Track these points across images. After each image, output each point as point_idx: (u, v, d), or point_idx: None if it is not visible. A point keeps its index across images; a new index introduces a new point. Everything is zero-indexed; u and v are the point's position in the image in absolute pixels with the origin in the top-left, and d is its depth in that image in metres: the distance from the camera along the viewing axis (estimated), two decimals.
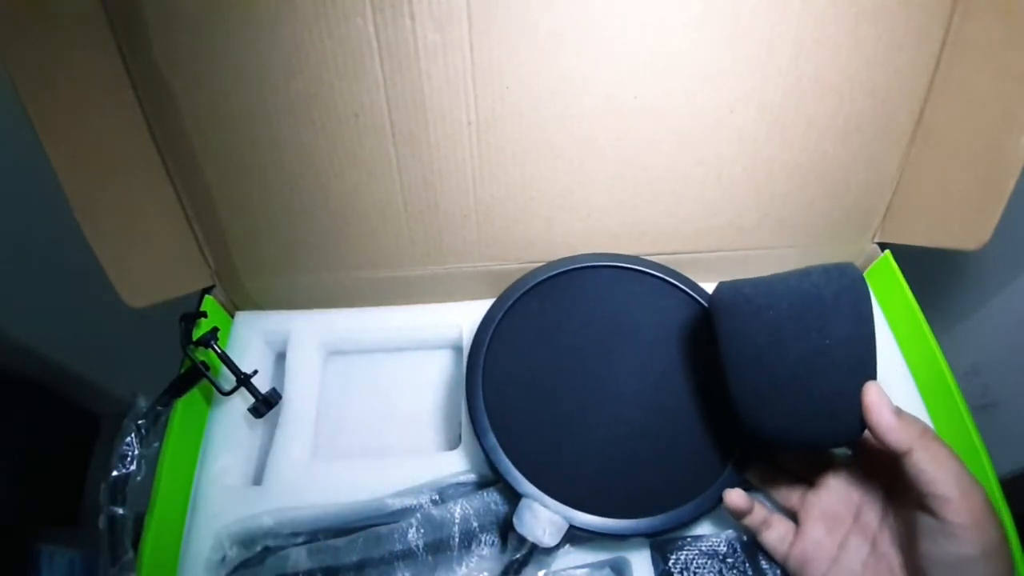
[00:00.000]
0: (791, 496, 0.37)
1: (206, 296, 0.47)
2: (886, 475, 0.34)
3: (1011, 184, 0.40)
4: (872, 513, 0.34)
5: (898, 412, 0.31)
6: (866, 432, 0.32)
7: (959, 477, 0.29)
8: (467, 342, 0.46)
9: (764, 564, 0.37)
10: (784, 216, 0.46)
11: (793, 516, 0.37)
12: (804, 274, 0.33)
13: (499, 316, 0.43)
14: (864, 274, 0.51)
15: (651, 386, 0.41)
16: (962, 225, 0.43)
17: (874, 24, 0.38)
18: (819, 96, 0.40)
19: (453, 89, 0.39)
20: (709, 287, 0.47)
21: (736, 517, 0.36)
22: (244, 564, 0.38)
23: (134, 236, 0.41)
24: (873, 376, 0.31)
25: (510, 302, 0.43)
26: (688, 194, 0.44)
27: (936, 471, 0.29)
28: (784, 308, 0.32)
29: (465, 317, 0.47)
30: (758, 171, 0.43)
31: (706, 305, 0.44)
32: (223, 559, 0.39)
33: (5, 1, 0.32)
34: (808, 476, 0.37)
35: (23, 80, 0.34)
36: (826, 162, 0.43)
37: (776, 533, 0.36)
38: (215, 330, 0.43)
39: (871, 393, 0.31)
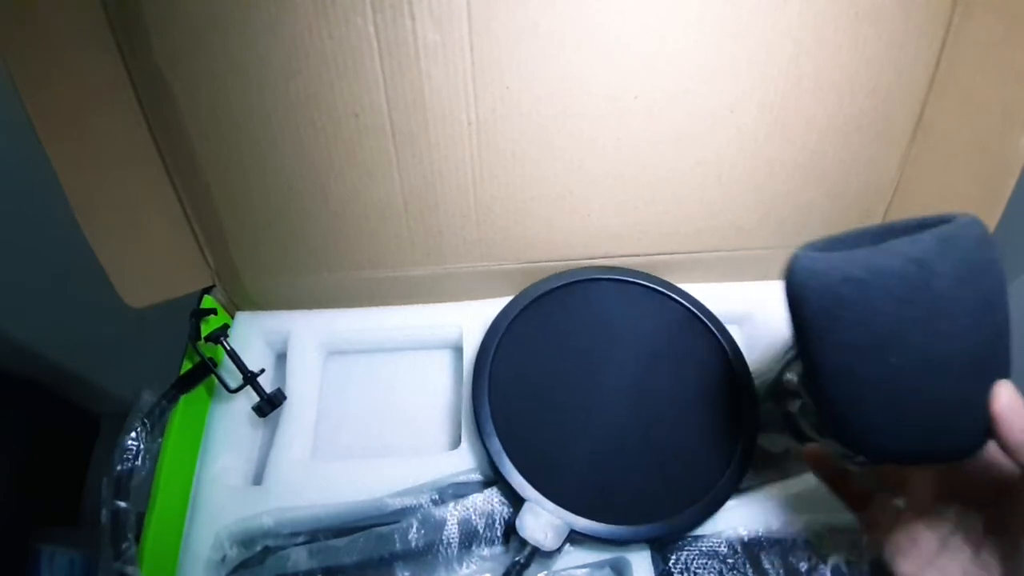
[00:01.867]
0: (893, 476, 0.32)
1: (206, 296, 0.47)
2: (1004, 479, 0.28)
3: (1011, 184, 0.40)
4: (979, 516, 0.28)
5: None
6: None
7: None
8: (468, 343, 0.46)
9: (765, 564, 0.37)
10: (784, 216, 0.46)
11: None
12: (911, 244, 0.25)
13: (505, 324, 0.43)
14: None
15: (652, 395, 0.41)
16: None
17: (874, 24, 0.38)
18: (819, 96, 0.40)
19: (453, 89, 0.39)
20: (709, 287, 0.47)
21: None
22: (244, 564, 0.38)
23: (134, 236, 0.41)
24: (1004, 374, 0.25)
25: (517, 311, 0.44)
26: (688, 194, 0.44)
27: None
28: (892, 299, 0.25)
29: (465, 317, 0.47)
30: (758, 171, 0.43)
31: (703, 318, 0.44)
32: (223, 559, 0.39)
33: (5, 1, 0.32)
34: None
35: (23, 80, 0.34)
36: (826, 162, 0.43)
37: (875, 515, 0.31)
38: (225, 327, 0.43)
39: (1002, 398, 0.24)
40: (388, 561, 0.37)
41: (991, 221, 0.41)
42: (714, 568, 0.37)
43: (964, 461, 0.27)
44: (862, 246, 0.27)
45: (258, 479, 0.42)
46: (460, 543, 0.37)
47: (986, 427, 0.25)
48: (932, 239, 0.25)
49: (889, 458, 0.29)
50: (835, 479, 0.33)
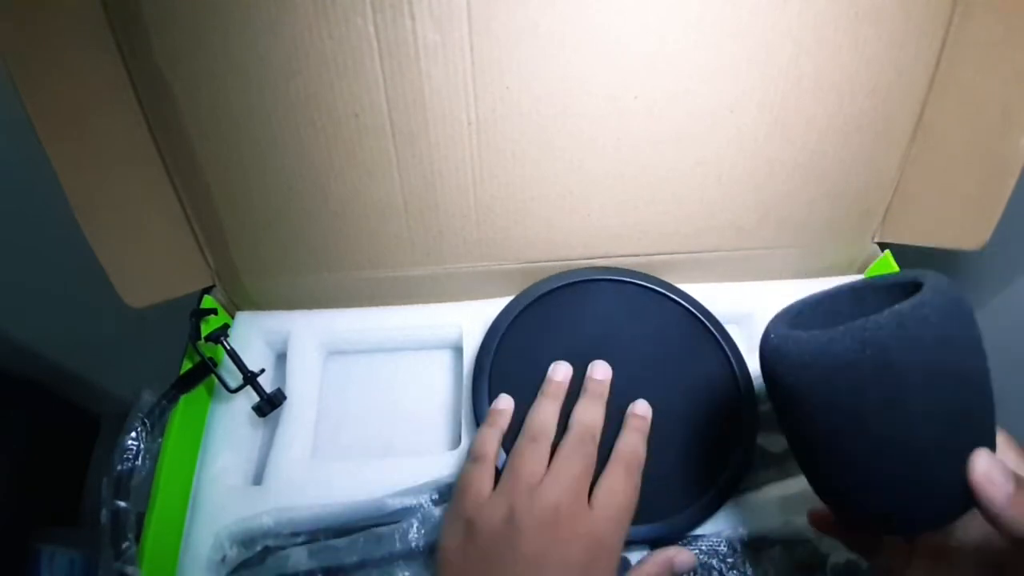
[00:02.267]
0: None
1: (206, 296, 0.47)
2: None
3: (1011, 184, 0.40)
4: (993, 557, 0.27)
5: (1020, 483, 0.23)
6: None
7: None
8: (468, 343, 0.46)
9: (765, 564, 0.37)
10: (784, 216, 0.46)
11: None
12: (868, 327, 0.24)
13: (505, 324, 0.43)
14: (865, 274, 0.51)
15: (652, 396, 0.41)
16: (962, 225, 0.43)
17: (874, 24, 0.38)
18: (819, 96, 0.40)
19: (453, 89, 0.39)
20: (709, 287, 0.47)
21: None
22: (244, 564, 0.38)
23: (134, 236, 0.41)
24: (984, 441, 0.24)
25: (517, 311, 0.44)
26: (688, 194, 0.44)
27: None
28: (848, 387, 0.25)
29: (465, 317, 0.47)
30: (758, 171, 0.43)
31: (703, 318, 0.45)
32: (223, 559, 0.39)
33: (5, 1, 0.32)
34: None
35: (23, 80, 0.34)
36: (826, 162, 0.43)
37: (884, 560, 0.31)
38: (225, 327, 0.43)
39: (978, 469, 0.23)
40: (388, 561, 0.37)
41: (991, 221, 0.41)
42: (714, 568, 0.37)
43: (952, 527, 0.27)
44: (837, 315, 0.28)
45: (258, 479, 0.42)
46: None
47: (965, 497, 0.24)
48: (890, 320, 0.24)
49: (863, 525, 0.30)
50: (839, 529, 0.32)
